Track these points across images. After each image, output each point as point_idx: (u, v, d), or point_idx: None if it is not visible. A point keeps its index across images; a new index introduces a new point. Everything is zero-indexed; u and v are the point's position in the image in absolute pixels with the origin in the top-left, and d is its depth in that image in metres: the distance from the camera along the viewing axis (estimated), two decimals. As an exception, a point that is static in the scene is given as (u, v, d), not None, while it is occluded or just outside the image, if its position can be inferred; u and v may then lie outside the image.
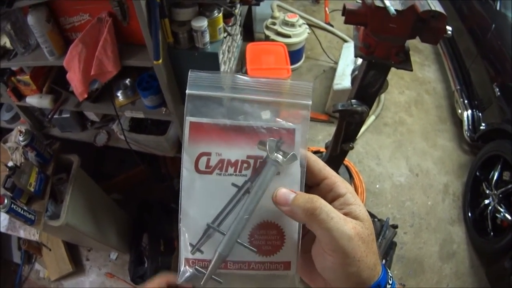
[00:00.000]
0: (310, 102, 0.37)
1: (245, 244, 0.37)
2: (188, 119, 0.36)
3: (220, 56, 1.34)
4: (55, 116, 1.67)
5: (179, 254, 0.37)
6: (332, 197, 0.37)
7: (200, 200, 0.37)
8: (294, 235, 0.38)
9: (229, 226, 0.36)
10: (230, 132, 0.37)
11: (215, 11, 1.26)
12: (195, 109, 0.37)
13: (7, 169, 1.41)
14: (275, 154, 0.36)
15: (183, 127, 0.37)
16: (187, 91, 0.36)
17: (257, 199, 0.36)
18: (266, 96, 0.37)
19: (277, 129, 0.37)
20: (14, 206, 1.34)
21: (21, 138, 1.50)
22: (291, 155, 0.36)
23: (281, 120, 0.38)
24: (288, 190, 0.36)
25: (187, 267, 0.37)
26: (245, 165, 0.37)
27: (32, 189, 1.46)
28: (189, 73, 0.37)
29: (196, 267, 0.36)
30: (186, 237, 0.37)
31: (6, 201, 1.30)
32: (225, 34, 1.36)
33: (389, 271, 0.38)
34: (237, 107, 0.37)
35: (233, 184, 0.37)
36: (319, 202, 0.34)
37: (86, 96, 1.27)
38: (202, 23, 1.19)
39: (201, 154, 0.37)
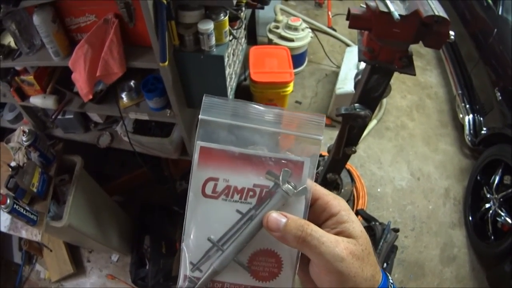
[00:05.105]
0: (322, 137, 0.37)
1: (241, 262, 0.38)
2: (199, 144, 0.37)
3: (226, 59, 1.35)
4: (59, 117, 1.67)
5: (179, 272, 0.38)
6: (325, 217, 0.38)
7: (204, 223, 0.38)
8: (291, 264, 0.38)
9: (228, 247, 0.37)
10: (239, 160, 0.37)
11: (221, 14, 1.27)
12: (206, 134, 0.37)
13: (10, 169, 1.41)
14: (287, 185, 0.36)
15: (193, 151, 0.37)
16: (200, 116, 0.37)
17: (260, 226, 0.37)
18: (277, 127, 0.38)
19: (285, 161, 0.37)
20: (17, 207, 1.33)
21: (24, 138, 1.50)
22: (302, 189, 0.37)
23: (289, 154, 0.38)
24: (279, 214, 0.36)
25: (185, 282, 0.38)
26: (251, 193, 0.37)
27: (34, 190, 1.45)
28: (203, 98, 0.37)
29: (190, 276, 0.37)
30: (187, 256, 0.38)
31: (8, 201, 1.29)
32: (231, 37, 1.37)
33: (389, 277, 0.39)
34: (247, 136, 0.38)
35: (237, 211, 0.38)
36: (310, 228, 0.35)
37: (91, 97, 1.28)
38: (208, 26, 1.20)
39: (208, 178, 0.37)
